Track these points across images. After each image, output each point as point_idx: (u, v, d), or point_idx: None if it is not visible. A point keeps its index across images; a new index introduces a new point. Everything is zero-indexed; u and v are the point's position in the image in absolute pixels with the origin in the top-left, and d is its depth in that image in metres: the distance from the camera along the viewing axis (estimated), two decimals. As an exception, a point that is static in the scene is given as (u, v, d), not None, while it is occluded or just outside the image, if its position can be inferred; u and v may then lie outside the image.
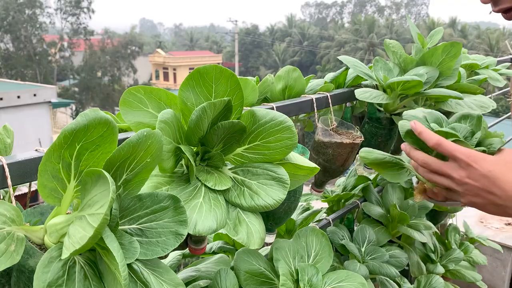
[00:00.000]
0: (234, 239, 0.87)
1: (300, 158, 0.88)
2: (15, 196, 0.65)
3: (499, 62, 2.07)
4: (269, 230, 1.09)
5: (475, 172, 0.84)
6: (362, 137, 1.22)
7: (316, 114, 1.20)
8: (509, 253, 2.70)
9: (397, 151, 1.59)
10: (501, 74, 1.81)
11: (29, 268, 0.60)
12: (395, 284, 1.44)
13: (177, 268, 1.21)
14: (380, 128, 1.36)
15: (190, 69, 37.47)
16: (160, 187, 0.76)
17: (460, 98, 1.25)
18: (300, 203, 1.52)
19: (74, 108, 29.04)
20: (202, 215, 0.73)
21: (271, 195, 0.80)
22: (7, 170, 0.62)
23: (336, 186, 1.77)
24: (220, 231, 1.15)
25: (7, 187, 0.63)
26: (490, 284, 2.77)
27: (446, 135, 0.95)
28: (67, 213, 0.63)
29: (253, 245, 0.78)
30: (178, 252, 1.20)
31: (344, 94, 1.30)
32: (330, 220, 1.40)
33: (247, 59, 46.90)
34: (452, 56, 1.30)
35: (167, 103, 0.81)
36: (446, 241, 1.92)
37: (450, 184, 0.89)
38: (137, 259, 0.63)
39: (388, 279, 1.42)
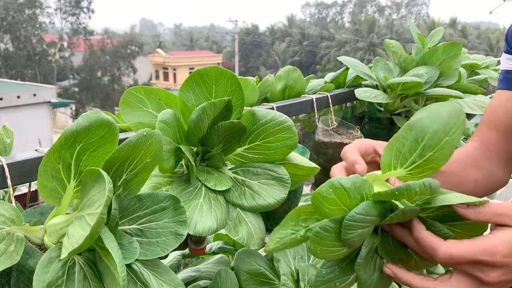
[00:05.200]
0: (234, 240, 0.87)
1: (300, 158, 0.87)
2: (15, 196, 0.65)
3: (499, 62, 2.07)
4: (269, 230, 1.09)
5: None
6: (363, 137, 1.22)
7: (316, 114, 1.20)
8: (509, 253, 2.70)
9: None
10: (501, 74, 1.81)
11: (28, 268, 0.60)
12: (395, 284, 1.43)
13: (177, 268, 1.20)
14: (381, 128, 1.36)
15: (190, 69, 37.42)
16: (160, 187, 0.76)
17: (460, 98, 1.25)
18: (300, 203, 1.52)
19: (74, 108, 29.05)
20: (202, 215, 0.73)
21: (272, 194, 0.80)
22: (7, 170, 0.62)
23: (336, 186, 1.77)
24: (220, 232, 1.15)
25: (7, 187, 0.63)
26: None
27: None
28: (67, 213, 0.63)
29: (253, 246, 0.78)
30: (178, 252, 1.20)
31: (344, 94, 1.30)
32: (330, 220, 1.40)
33: (247, 59, 46.89)
34: (452, 56, 1.29)
35: (167, 103, 0.81)
36: (446, 241, 1.91)
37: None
38: (137, 259, 0.63)
39: (388, 279, 1.41)
